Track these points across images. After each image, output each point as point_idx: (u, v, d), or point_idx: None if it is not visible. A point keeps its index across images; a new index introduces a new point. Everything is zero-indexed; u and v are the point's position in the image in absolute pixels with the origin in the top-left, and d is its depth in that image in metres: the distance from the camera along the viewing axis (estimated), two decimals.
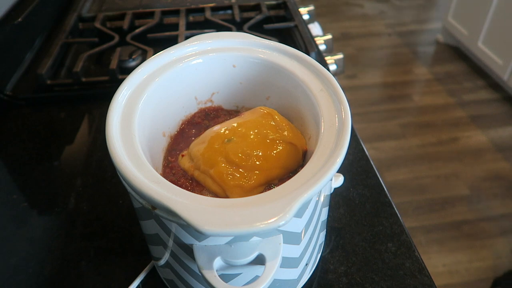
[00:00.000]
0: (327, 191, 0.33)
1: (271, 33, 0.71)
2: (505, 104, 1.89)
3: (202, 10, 0.78)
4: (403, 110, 1.88)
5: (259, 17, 0.74)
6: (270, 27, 0.72)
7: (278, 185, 0.28)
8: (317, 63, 0.34)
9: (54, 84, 0.61)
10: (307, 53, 0.64)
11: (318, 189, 0.25)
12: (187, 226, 0.24)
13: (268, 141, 0.32)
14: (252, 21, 0.72)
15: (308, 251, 0.32)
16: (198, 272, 0.26)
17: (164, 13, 0.77)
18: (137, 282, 0.37)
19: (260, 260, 0.26)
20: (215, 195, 0.30)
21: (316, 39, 0.77)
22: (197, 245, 0.26)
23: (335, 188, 0.39)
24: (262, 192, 0.30)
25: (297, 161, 0.33)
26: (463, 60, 2.17)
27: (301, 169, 0.27)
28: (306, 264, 0.34)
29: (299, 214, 0.27)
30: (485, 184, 1.53)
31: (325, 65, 0.69)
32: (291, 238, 0.28)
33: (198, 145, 0.32)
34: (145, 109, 0.32)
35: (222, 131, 0.32)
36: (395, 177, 1.57)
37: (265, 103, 0.38)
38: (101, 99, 0.60)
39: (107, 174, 0.48)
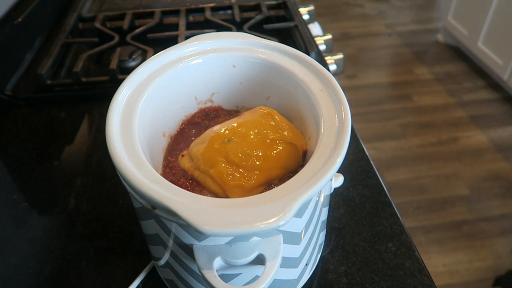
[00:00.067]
0: (327, 191, 0.33)
1: (271, 33, 0.71)
2: (505, 104, 1.89)
3: (202, 10, 0.78)
4: (403, 110, 1.88)
5: (259, 17, 0.74)
6: (270, 27, 0.72)
7: (278, 185, 0.28)
8: (317, 63, 0.34)
9: (54, 84, 0.61)
10: (307, 53, 0.64)
11: (318, 189, 0.25)
12: (187, 226, 0.24)
13: (268, 141, 0.32)
14: (252, 21, 0.72)
15: (308, 251, 0.32)
16: (198, 272, 0.26)
17: (164, 13, 0.77)
18: (137, 282, 0.37)
19: (260, 260, 0.26)
20: (215, 195, 0.30)
21: (316, 39, 0.77)
22: (197, 245, 0.26)
23: (335, 188, 0.39)
24: (262, 192, 0.30)
25: (297, 161, 0.33)
26: (463, 60, 2.17)
27: (301, 169, 0.27)
28: (306, 264, 0.34)
29: (299, 214, 0.27)
30: (485, 184, 1.53)
31: (325, 65, 0.69)
32: (291, 238, 0.28)
33: (198, 145, 0.32)
34: (145, 109, 0.32)
35: (222, 131, 0.32)
36: (395, 177, 1.57)
37: (265, 103, 0.38)
38: (101, 99, 0.60)
39: (107, 174, 0.48)
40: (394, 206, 0.44)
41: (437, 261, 1.30)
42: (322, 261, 0.39)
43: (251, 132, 0.32)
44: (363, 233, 0.41)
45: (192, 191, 0.29)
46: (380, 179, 0.47)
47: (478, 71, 2.08)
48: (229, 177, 0.30)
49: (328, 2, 2.75)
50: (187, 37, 0.65)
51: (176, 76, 0.35)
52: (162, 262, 0.33)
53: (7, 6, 0.68)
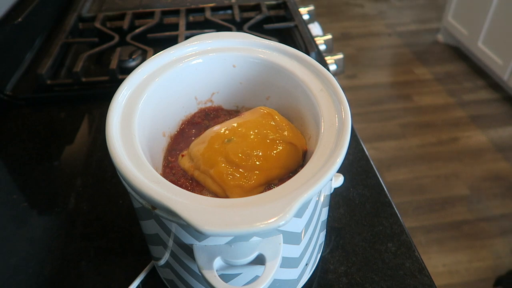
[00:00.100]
0: (327, 191, 0.33)
1: (271, 33, 0.71)
2: (505, 104, 1.89)
3: (202, 10, 0.78)
4: (403, 110, 1.88)
5: (259, 17, 0.74)
6: (270, 27, 0.72)
7: (278, 185, 0.28)
8: (317, 63, 0.34)
9: (54, 84, 0.61)
10: (307, 53, 0.64)
11: (318, 189, 0.25)
12: (187, 226, 0.24)
13: (268, 141, 0.32)
14: (252, 21, 0.72)
15: (308, 251, 0.32)
16: (198, 272, 0.26)
17: (164, 13, 0.77)
18: (137, 282, 0.37)
19: (260, 260, 0.26)
20: (215, 195, 0.30)
21: (316, 39, 0.77)
22: (197, 245, 0.26)
23: (335, 188, 0.39)
24: (262, 192, 0.30)
25: (297, 161, 0.33)
26: (463, 60, 2.17)
27: (301, 169, 0.27)
28: (306, 264, 0.34)
29: (299, 214, 0.27)
30: (485, 184, 1.53)
31: (325, 65, 0.69)
32: (291, 238, 0.28)
33: (198, 145, 0.32)
34: (145, 109, 0.32)
35: (222, 131, 0.32)
36: (395, 177, 1.57)
37: (265, 103, 0.38)
38: (101, 99, 0.60)
39: (107, 174, 0.48)
40: (394, 206, 0.44)
41: (437, 261, 1.30)
42: (322, 261, 0.39)
43: (251, 132, 0.32)
44: (363, 233, 0.41)
45: (192, 191, 0.29)
46: (380, 179, 0.47)
47: (478, 71, 2.08)
48: (229, 177, 0.30)
49: (328, 2, 2.75)
50: (187, 37, 0.65)
51: (176, 76, 0.35)
52: (162, 262, 0.33)
53: (7, 6, 0.68)
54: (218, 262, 0.26)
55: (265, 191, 0.30)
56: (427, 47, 2.32)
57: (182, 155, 0.34)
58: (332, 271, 0.38)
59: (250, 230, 0.22)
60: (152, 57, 0.35)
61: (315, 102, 0.31)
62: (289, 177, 0.28)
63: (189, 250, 0.27)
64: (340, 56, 0.74)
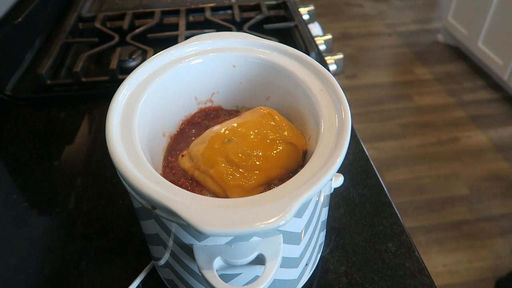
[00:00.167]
0: (327, 191, 0.33)
1: (271, 33, 0.71)
2: (505, 104, 1.89)
3: (202, 10, 0.78)
4: (403, 110, 1.88)
5: (259, 17, 0.74)
6: (270, 27, 0.72)
7: (278, 185, 0.28)
8: (317, 63, 0.34)
9: (54, 84, 0.61)
10: (307, 53, 0.64)
11: (318, 189, 0.25)
12: (187, 226, 0.24)
13: (268, 141, 0.32)
14: (252, 21, 0.72)
15: (308, 251, 0.32)
16: (198, 272, 0.26)
17: (164, 13, 0.77)
18: (137, 282, 0.37)
19: (260, 260, 0.26)
20: (215, 195, 0.30)
21: (316, 39, 0.77)
22: (197, 245, 0.26)
23: (335, 188, 0.39)
24: (262, 192, 0.30)
25: (297, 161, 0.33)
26: (463, 60, 2.17)
27: (301, 169, 0.27)
28: (306, 264, 0.34)
29: (299, 214, 0.27)
30: (485, 184, 1.53)
31: (325, 65, 0.69)
32: (291, 238, 0.28)
33: (198, 145, 0.32)
34: (145, 109, 0.32)
35: (222, 131, 0.32)
36: (395, 177, 1.57)
37: (265, 103, 0.38)
38: (101, 99, 0.60)
39: (107, 174, 0.48)
40: (394, 206, 0.44)
41: (437, 261, 1.30)
42: (322, 261, 0.39)
43: (251, 132, 0.32)
44: (363, 233, 0.41)
45: (192, 191, 0.29)
46: (380, 179, 0.47)
47: (478, 71, 2.08)
48: (229, 177, 0.30)
49: (328, 2, 2.75)
50: (187, 37, 0.65)
51: (176, 76, 0.35)
52: (162, 262, 0.33)
53: (7, 6, 0.68)
54: (218, 262, 0.26)
55: (265, 191, 0.30)
56: (427, 47, 2.32)
57: (182, 155, 0.34)
58: (332, 271, 0.38)
59: (250, 230, 0.22)
60: (152, 57, 0.35)
61: (315, 102, 0.31)
62: (289, 177, 0.28)
63: (189, 250, 0.27)
64: (340, 56, 0.74)
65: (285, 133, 0.32)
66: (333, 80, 0.32)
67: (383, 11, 2.66)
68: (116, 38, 0.68)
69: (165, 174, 0.34)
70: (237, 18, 0.75)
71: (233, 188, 0.29)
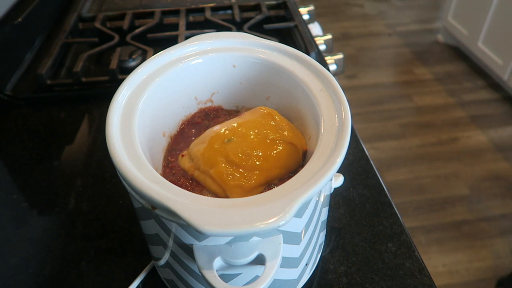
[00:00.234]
0: (327, 191, 0.33)
1: (271, 33, 0.71)
2: (505, 104, 1.89)
3: (202, 10, 0.78)
4: (403, 110, 1.88)
5: (259, 17, 0.74)
6: (270, 27, 0.72)
7: (278, 185, 0.28)
8: (317, 63, 0.34)
9: (54, 84, 0.61)
10: (307, 53, 0.64)
11: (318, 189, 0.25)
12: (187, 226, 0.24)
13: (268, 141, 0.32)
14: (252, 21, 0.72)
15: (308, 251, 0.32)
16: (198, 272, 0.26)
17: (164, 13, 0.77)
18: (137, 282, 0.37)
19: (260, 260, 0.26)
20: (215, 195, 0.30)
21: (316, 39, 0.77)
22: (197, 245, 0.26)
23: (335, 188, 0.39)
24: (262, 192, 0.30)
25: (297, 161, 0.33)
26: (463, 60, 2.17)
27: (301, 169, 0.27)
28: (306, 264, 0.34)
29: (299, 214, 0.27)
30: (485, 184, 1.53)
31: (325, 65, 0.69)
32: (291, 238, 0.28)
33: (198, 145, 0.32)
34: (145, 109, 0.32)
35: (222, 131, 0.32)
36: (395, 177, 1.57)
37: (265, 103, 0.38)
38: (101, 99, 0.60)
39: (107, 174, 0.48)
40: (394, 206, 0.44)
41: (437, 261, 1.30)
42: (322, 261, 0.39)
43: (251, 132, 0.32)
44: (363, 233, 0.41)
45: (192, 191, 0.29)
46: (380, 179, 0.47)
47: (478, 71, 2.08)
48: (229, 177, 0.30)
49: (328, 2, 2.75)
50: (187, 37, 0.65)
51: (176, 76, 0.35)
52: (162, 262, 0.33)
53: (7, 6, 0.68)
54: (218, 262, 0.26)
55: (265, 191, 0.30)
56: (427, 47, 2.32)
57: (182, 155, 0.34)
58: (332, 271, 0.38)
59: (250, 230, 0.22)
60: (152, 57, 0.35)
61: (315, 102, 0.31)
62: (289, 177, 0.28)
63: (189, 250, 0.27)
64: (340, 56, 0.74)
65: (285, 133, 0.32)
66: (333, 80, 0.32)
67: (383, 11, 2.66)
68: (116, 38, 0.68)
69: (165, 174, 0.34)
70: (237, 18, 0.75)
71: (233, 188, 0.29)
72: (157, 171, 0.28)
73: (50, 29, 0.76)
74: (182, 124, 0.38)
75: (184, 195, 0.24)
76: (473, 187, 1.52)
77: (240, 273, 0.28)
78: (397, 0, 2.78)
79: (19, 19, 0.66)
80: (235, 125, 0.33)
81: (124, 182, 0.27)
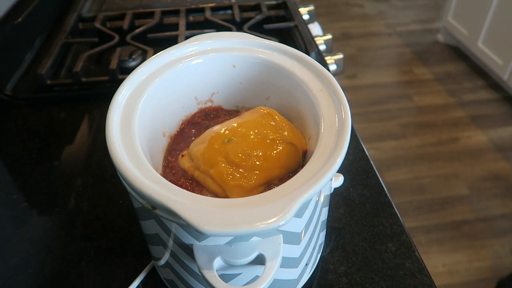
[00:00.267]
0: (327, 191, 0.33)
1: (271, 33, 0.71)
2: (505, 104, 1.89)
3: (202, 10, 0.78)
4: (403, 110, 1.88)
5: (259, 17, 0.74)
6: (270, 27, 0.72)
7: (278, 185, 0.28)
8: (317, 63, 0.34)
9: (54, 84, 0.61)
10: (307, 53, 0.64)
11: (318, 189, 0.25)
12: (187, 226, 0.24)
13: (268, 141, 0.32)
14: (252, 21, 0.72)
15: (308, 251, 0.32)
16: (198, 272, 0.26)
17: (164, 13, 0.77)
18: (137, 282, 0.37)
19: (260, 260, 0.26)
20: (215, 195, 0.30)
21: (316, 39, 0.77)
22: (197, 245, 0.26)
23: (335, 188, 0.39)
24: (262, 192, 0.30)
25: (297, 161, 0.33)
26: (463, 60, 2.17)
27: (301, 169, 0.27)
28: (306, 264, 0.34)
29: (299, 214, 0.27)
30: (485, 184, 1.53)
31: (325, 65, 0.69)
32: (291, 238, 0.28)
33: (198, 145, 0.32)
34: (145, 109, 0.32)
35: (222, 131, 0.32)
36: (395, 177, 1.57)
37: (265, 103, 0.38)
38: (101, 99, 0.60)
39: (107, 174, 0.48)
40: (394, 206, 0.44)
41: (437, 261, 1.30)
42: (322, 261, 0.39)
43: (251, 132, 0.32)
44: (363, 233, 0.41)
45: (192, 191, 0.29)
46: (380, 179, 0.47)
47: (478, 71, 2.08)
48: (229, 177, 0.30)
49: (328, 2, 2.75)
50: (187, 37, 0.65)
51: (176, 76, 0.35)
52: (162, 262, 0.33)
53: (7, 6, 0.68)
54: (218, 262, 0.26)
55: (265, 191, 0.30)
56: (427, 47, 2.32)
57: (182, 155, 0.34)
58: (332, 271, 0.38)
59: (250, 230, 0.22)
60: (152, 57, 0.35)
61: (315, 102, 0.31)
62: (289, 177, 0.28)
63: (189, 250, 0.27)
64: (340, 56, 0.74)
65: (285, 133, 0.32)
66: (333, 80, 0.32)
67: (383, 11, 2.66)
68: (116, 38, 0.68)
69: (165, 174, 0.34)
70: (237, 18, 0.75)
71: (233, 188, 0.29)
72: (157, 171, 0.28)
73: (50, 29, 0.76)
74: (182, 124, 0.38)
75: (184, 195, 0.24)
76: (473, 187, 1.52)
77: (240, 273, 0.28)
78: (397, 0, 2.78)
79: (19, 19, 0.66)
80: (235, 125, 0.33)
81: (124, 182, 0.27)
